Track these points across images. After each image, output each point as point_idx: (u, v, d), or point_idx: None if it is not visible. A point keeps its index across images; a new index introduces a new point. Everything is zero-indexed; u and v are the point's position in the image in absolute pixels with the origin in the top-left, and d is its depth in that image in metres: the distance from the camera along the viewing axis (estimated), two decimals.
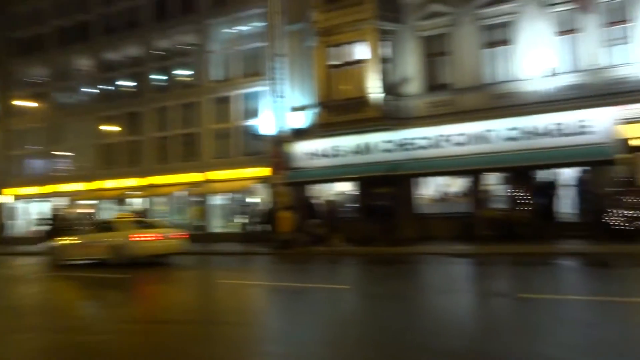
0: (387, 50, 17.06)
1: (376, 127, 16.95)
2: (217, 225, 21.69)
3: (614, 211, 13.24)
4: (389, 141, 17.29)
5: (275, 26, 19.08)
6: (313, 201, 17.65)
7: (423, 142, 16.74)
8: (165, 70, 23.63)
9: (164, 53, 23.51)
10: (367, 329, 6.64)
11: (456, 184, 16.84)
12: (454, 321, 6.88)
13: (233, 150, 21.21)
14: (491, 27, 16.19)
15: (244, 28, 21.34)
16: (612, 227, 13.10)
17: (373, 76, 16.63)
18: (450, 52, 16.68)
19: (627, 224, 13.02)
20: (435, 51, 17.07)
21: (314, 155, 18.52)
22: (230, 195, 21.46)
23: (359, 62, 17.15)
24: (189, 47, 22.77)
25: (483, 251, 13.37)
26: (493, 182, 16.02)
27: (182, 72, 23.40)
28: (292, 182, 18.11)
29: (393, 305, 7.87)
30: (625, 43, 14.39)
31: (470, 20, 16.27)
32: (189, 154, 22.38)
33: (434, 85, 17.10)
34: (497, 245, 13.70)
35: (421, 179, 17.08)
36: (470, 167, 15.48)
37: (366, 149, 17.65)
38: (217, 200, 21.90)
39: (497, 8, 15.92)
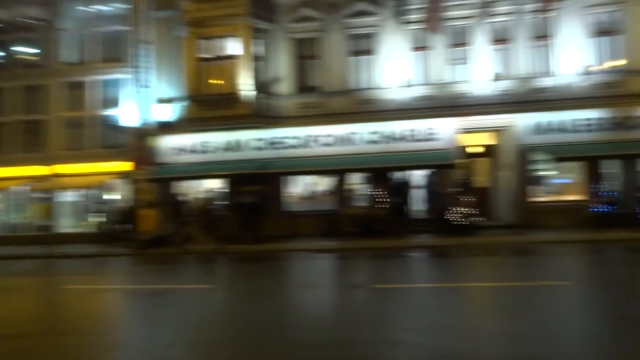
0: (259, 48, 17.14)
1: (247, 124, 16.94)
2: (67, 225, 19.46)
3: (454, 209, 15.26)
4: (260, 139, 17.43)
5: (141, 10, 17.83)
6: (180, 199, 16.96)
7: (293, 142, 17.24)
8: (2, 46, 20.42)
9: (1, 25, 20.29)
10: (229, 327, 6.71)
11: (323, 183, 17.69)
12: (315, 314, 7.33)
13: (87, 141, 19.24)
14: (357, 37, 17.34)
15: (103, 8, 19.46)
16: (453, 222, 15.07)
17: (245, 73, 16.58)
18: (320, 56, 17.44)
19: (464, 220, 15.10)
20: (306, 54, 17.68)
21: (181, 150, 17.78)
22: (83, 192, 19.44)
23: (230, 57, 16.94)
24: (35, 22, 19.99)
25: (345, 247, 14.30)
26: (356, 181, 17.21)
27: (25, 50, 20.45)
28: (157, 178, 17.16)
29: (258, 302, 8.06)
30: (465, 63, 16.65)
31: (338, 28, 17.21)
32: (32, 144, 19.65)
33: (304, 87, 17.70)
34: (358, 240, 14.77)
35: (290, 178, 17.57)
36: (336, 167, 16.39)
37: (237, 146, 17.53)
38: (67, 197, 19.65)
39: (362, 20, 17.11)
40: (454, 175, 16.09)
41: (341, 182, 17.03)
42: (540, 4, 15.12)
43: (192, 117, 17.11)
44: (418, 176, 17.06)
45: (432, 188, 16.61)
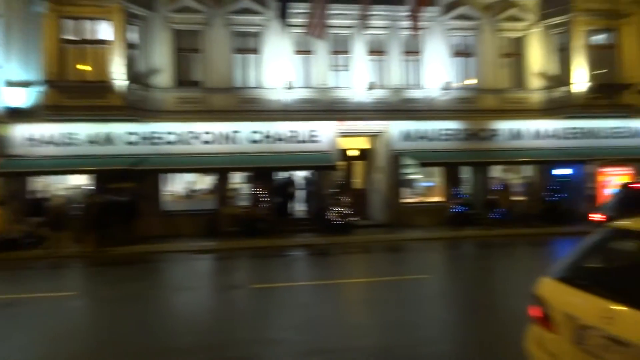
0: (134, 35, 15.90)
1: (119, 116, 15.55)
2: None
3: (334, 209, 15.92)
4: (133, 133, 16.15)
5: None
6: (37, 196, 14.87)
7: (171, 137, 16.32)
8: None
9: None
10: (90, 338, 6.17)
11: (203, 182, 17.06)
12: (189, 317, 7.10)
13: None
14: (242, 34, 17.11)
15: None
16: (332, 222, 15.71)
17: (117, 61, 15.21)
18: (203, 50, 16.81)
19: (342, 219, 15.83)
20: (187, 46, 16.89)
21: (39, 141, 15.61)
22: None
23: (101, 42, 15.41)
24: None
25: (225, 247, 14.00)
26: (238, 180, 16.96)
27: None
28: (7, 172, 14.83)
29: (127, 308, 7.53)
30: (346, 70, 17.51)
31: (223, 24, 16.79)
32: None
33: (184, 80, 16.88)
34: (239, 240, 14.57)
35: (169, 175, 16.62)
36: (217, 165, 15.91)
37: (107, 140, 15.99)
38: None
39: (247, 17, 16.94)
40: (333, 177, 16.79)
41: (223, 181, 16.63)
42: (411, 23, 16.55)
43: (51, 104, 15.14)
44: (300, 176, 17.44)
45: (313, 188, 17.13)
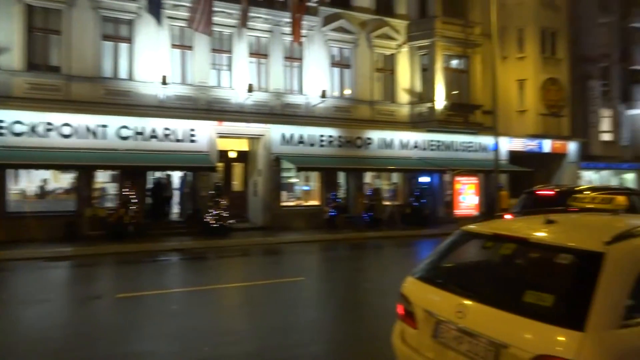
0: None
1: None
2: None
3: (211, 211, 15.31)
4: None
5: None
6: None
7: (20, 128, 14.08)
8: None
9: None
10: None
11: (61, 179, 15.04)
12: (40, 335, 6.12)
13: None
14: (113, 20, 15.59)
15: None
16: (210, 225, 15.09)
17: None
18: (64, 32, 14.88)
19: (219, 222, 15.30)
20: (43, 26, 14.81)
21: None
22: None
23: None
24: None
25: (87, 252, 12.50)
26: (104, 179, 15.34)
27: None
28: None
29: None
30: (228, 70, 17.05)
31: (90, 6, 15.09)
32: None
33: (39, 64, 14.74)
34: (105, 245, 13.15)
35: (17, 172, 14.33)
36: (78, 162, 14.18)
37: None
38: None
39: (119, 2, 15.46)
40: (211, 178, 16.17)
41: (86, 179, 14.86)
42: (292, 29, 16.81)
43: None
44: (176, 177, 16.45)
45: (190, 190, 16.29)
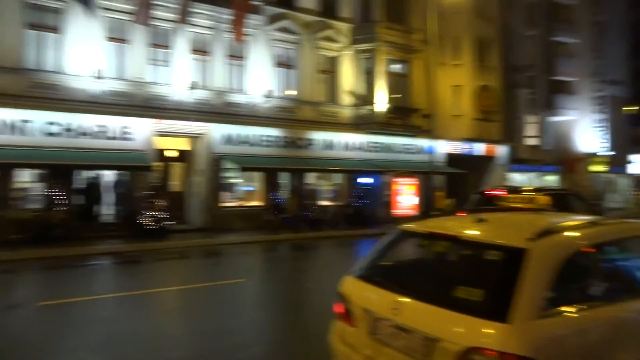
0: None
1: None
2: None
3: (147, 212, 14.67)
4: None
5: None
6: None
7: None
8: None
9: None
10: None
11: None
12: None
13: None
14: (38, 8, 14.52)
15: None
16: (145, 226, 14.44)
17: None
18: None
19: (156, 224, 14.70)
20: None
21: None
22: None
23: None
24: None
25: (7, 258, 11.51)
26: (29, 179, 14.25)
27: None
28: None
29: None
30: (167, 66, 16.43)
31: None
32: None
33: None
34: (27, 249, 12.18)
35: None
36: None
37: None
38: None
39: None
40: (147, 178, 15.50)
41: (6, 179, 13.72)
42: (235, 27, 16.50)
43: None
44: (108, 176, 15.60)
45: (124, 190, 15.51)
